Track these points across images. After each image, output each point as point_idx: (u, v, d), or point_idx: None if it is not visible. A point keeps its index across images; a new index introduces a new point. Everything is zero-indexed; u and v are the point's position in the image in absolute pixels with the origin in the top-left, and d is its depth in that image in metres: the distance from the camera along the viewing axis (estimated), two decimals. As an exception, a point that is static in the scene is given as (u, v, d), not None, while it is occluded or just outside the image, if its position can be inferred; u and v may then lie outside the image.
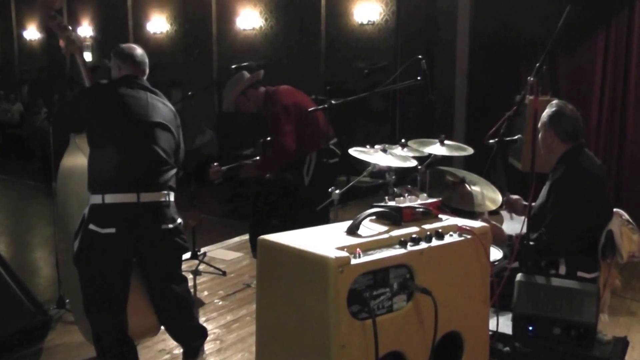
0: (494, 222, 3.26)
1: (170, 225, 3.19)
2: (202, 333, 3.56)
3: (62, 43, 3.42)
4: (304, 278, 2.12)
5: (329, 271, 1.98)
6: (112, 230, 3.00)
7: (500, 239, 3.26)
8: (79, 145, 3.45)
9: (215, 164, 4.97)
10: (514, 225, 3.60)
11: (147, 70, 3.40)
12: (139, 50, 3.39)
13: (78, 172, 3.40)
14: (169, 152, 3.25)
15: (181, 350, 3.55)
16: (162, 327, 3.44)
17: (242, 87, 4.82)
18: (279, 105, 4.72)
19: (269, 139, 4.94)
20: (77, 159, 3.46)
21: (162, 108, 3.30)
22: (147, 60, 3.40)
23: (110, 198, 3.02)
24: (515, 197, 3.71)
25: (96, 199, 3.03)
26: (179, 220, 3.26)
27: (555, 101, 3.47)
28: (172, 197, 3.22)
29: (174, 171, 3.27)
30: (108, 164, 3.06)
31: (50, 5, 3.35)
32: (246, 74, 4.89)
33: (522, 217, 3.26)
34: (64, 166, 3.58)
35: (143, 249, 3.16)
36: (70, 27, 3.45)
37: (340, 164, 4.91)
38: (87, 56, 14.12)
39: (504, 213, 3.80)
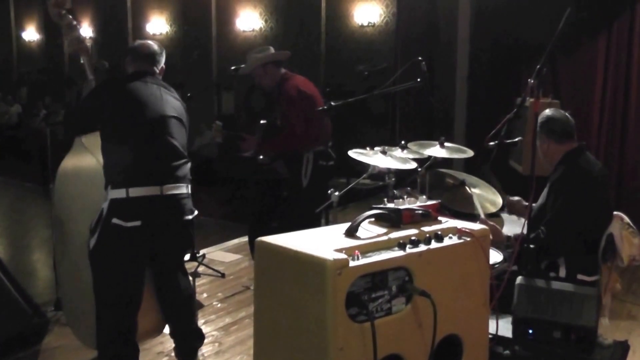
0: (491, 223, 3.25)
1: (190, 217, 3.28)
2: (202, 335, 3.62)
3: (68, 42, 3.44)
4: (302, 280, 2.10)
5: (327, 273, 1.97)
6: (138, 223, 3.04)
7: (497, 239, 3.25)
8: (87, 146, 3.44)
9: (219, 122, 4.98)
10: (514, 228, 3.59)
11: (159, 66, 3.42)
12: (148, 46, 3.40)
13: (84, 173, 3.42)
14: (184, 145, 3.32)
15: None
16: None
17: (265, 60, 4.77)
18: (296, 90, 4.69)
19: (265, 121, 4.92)
20: (83, 160, 3.46)
21: (174, 102, 3.35)
22: (157, 56, 3.40)
23: (134, 192, 3.05)
24: (515, 198, 3.70)
25: (119, 193, 3.04)
26: (196, 212, 3.34)
27: (546, 110, 3.50)
28: (189, 189, 3.30)
29: (189, 164, 3.33)
30: (130, 158, 3.09)
31: (61, 4, 3.38)
32: (272, 49, 4.86)
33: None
34: (67, 167, 3.56)
35: (162, 240, 3.21)
36: (79, 27, 3.46)
37: (335, 167, 4.90)
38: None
39: (505, 215, 3.79)
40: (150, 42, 3.46)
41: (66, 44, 3.45)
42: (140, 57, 3.37)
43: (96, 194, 3.26)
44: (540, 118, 3.36)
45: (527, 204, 3.49)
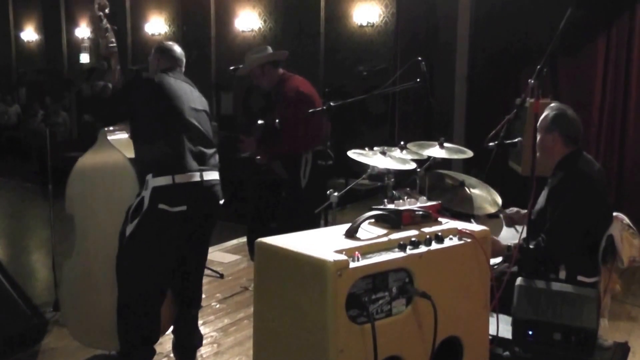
0: (493, 237, 3.22)
1: (222, 201, 3.49)
2: (201, 335, 3.73)
3: (103, 45, 3.63)
4: (302, 281, 2.10)
5: (327, 275, 1.96)
6: (184, 207, 3.21)
7: (496, 250, 3.23)
8: (114, 143, 3.56)
9: (214, 123, 4.99)
10: (511, 234, 3.58)
11: (183, 65, 3.64)
12: (177, 47, 3.68)
13: (110, 169, 3.54)
14: (212, 135, 3.54)
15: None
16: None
17: (262, 61, 4.76)
18: (294, 91, 4.68)
19: (262, 121, 4.91)
20: (109, 156, 3.55)
21: (201, 97, 3.58)
22: (181, 55, 3.65)
23: (180, 178, 3.22)
24: (513, 209, 3.66)
25: (164, 180, 3.19)
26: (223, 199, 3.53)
27: (553, 104, 3.44)
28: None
29: (217, 153, 3.53)
30: (174, 147, 3.26)
31: (103, 7, 3.62)
32: (270, 49, 4.86)
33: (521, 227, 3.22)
34: (88, 164, 3.60)
35: (199, 224, 3.39)
36: (112, 32, 3.65)
37: (333, 167, 4.89)
38: (85, 57, 14.08)
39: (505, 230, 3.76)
40: (172, 42, 3.74)
41: (101, 47, 3.64)
42: (167, 56, 3.60)
43: (123, 189, 3.42)
44: (552, 112, 3.30)
45: (525, 211, 3.48)
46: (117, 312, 3.27)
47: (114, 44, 3.61)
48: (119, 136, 3.61)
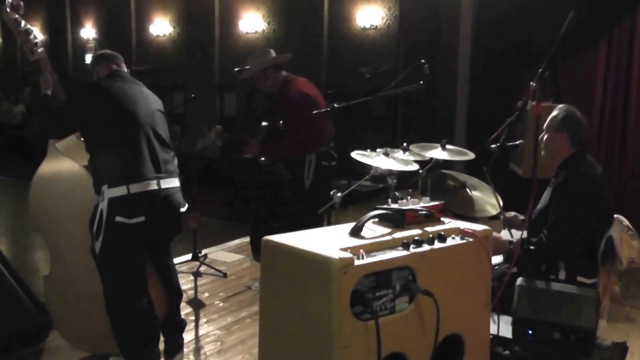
0: (494, 234, 3.26)
1: (183, 209, 3.40)
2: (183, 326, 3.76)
3: (27, 50, 3.27)
4: (308, 278, 2.13)
5: (332, 272, 2.00)
6: (142, 218, 3.12)
7: (499, 247, 3.26)
8: (63, 151, 3.45)
9: (219, 126, 5.02)
10: (513, 232, 3.61)
11: (124, 65, 3.50)
12: (106, 50, 3.58)
13: (66, 177, 3.43)
14: (169, 138, 3.41)
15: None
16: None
17: (264, 64, 4.79)
18: (298, 93, 4.70)
19: (265, 123, 4.94)
20: (61, 165, 3.45)
21: (153, 95, 3.46)
22: (118, 54, 3.52)
23: (135, 188, 3.12)
24: (511, 214, 3.69)
25: (119, 191, 3.10)
26: (186, 205, 3.45)
27: (562, 105, 3.47)
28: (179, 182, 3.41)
29: (176, 158, 3.43)
30: (129, 156, 3.15)
31: (16, 8, 3.22)
32: (272, 52, 4.89)
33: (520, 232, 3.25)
34: (44, 175, 3.52)
35: (160, 231, 3.34)
36: (31, 32, 3.28)
37: (337, 167, 4.92)
38: (89, 58, 14.12)
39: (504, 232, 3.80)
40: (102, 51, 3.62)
41: (25, 52, 3.28)
42: (102, 60, 3.46)
43: (84, 195, 3.30)
44: (562, 112, 3.33)
45: (522, 217, 3.52)
46: (110, 318, 3.26)
47: (40, 47, 3.27)
48: (66, 139, 3.50)
